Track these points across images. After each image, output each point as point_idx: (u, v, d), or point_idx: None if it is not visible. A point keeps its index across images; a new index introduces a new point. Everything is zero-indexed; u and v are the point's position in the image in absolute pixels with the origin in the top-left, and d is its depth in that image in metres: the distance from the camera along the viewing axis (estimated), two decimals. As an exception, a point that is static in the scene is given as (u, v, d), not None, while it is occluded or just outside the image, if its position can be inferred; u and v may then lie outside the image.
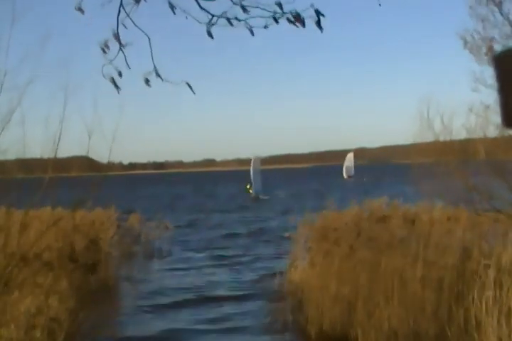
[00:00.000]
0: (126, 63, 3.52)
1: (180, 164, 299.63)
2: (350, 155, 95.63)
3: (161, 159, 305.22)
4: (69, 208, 10.81)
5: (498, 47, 8.48)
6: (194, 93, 3.65)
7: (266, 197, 54.25)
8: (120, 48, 3.46)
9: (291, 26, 3.28)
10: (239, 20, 3.30)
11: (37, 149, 8.63)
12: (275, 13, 3.24)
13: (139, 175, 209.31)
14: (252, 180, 58.75)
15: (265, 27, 3.34)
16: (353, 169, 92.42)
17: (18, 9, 7.31)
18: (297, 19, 3.24)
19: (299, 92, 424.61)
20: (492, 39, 8.46)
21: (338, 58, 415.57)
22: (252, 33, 3.35)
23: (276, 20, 3.28)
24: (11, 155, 8.51)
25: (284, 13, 3.23)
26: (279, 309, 12.11)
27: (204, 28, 3.34)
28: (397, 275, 9.34)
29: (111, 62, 3.47)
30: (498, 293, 7.87)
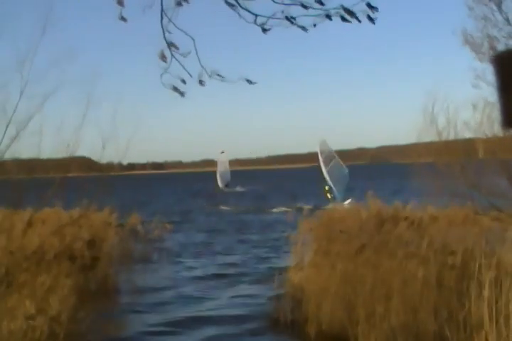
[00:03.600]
0: (187, 71, 3.49)
1: (179, 164, 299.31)
2: (224, 159, 72.71)
3: (160, 159, 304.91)
4: (72, 209, 10.84)
5: (499, 46, 8.47)
6: (253, 83, 3.66)
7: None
8: (173, 56, 3.45)
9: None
10: (294, 19, 3.28)
11: (45, 151, 8.68)
12: (325, 10, 3.22)
13: (138, 175, 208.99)
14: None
15: (314, 25, 3.32)
16: (229, 175, 71.39)
17: (49, 20, 7.37)
18: (351, 15, 3.21)
19: (298, 92, 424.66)
20: (493, 38, 8.46)
21: (338, 58, 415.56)
22: (305, 30, 3.34)
23: (329, 17, 3.26)
24: (19, 156, 8.55)
25: (336, 9, 3.21)
26: (278, 309, 12.11)
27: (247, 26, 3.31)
28: (398, 275, 9.35)
29: (166, 70, 3.44)
30: (498, 293, 7.88)
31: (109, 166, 9.81)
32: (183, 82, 3.53)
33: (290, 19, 3.26)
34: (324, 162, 36.75)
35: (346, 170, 37.08)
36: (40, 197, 8.58)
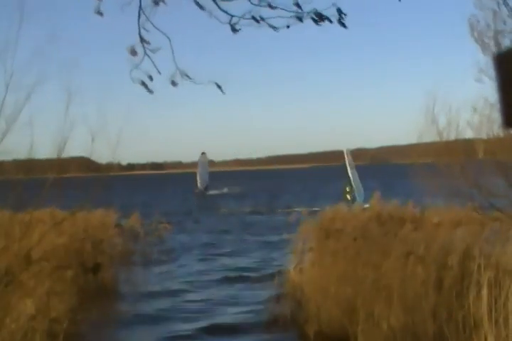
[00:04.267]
0: (156, 68, 3.52)
1: (179, 164, 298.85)
2: (205, 160, 69.33)
3: (159, 160, 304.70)
4: (71, 209, 10.81)
5: (504, 40, 8.41)
6: (224, 93, 3.66)
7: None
8: (145, 53, 3.47)
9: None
10: (262, 19, 3.30)
11: (40, 150, 8.63)
12: (298, 12, 3.26)
13: (137, 175, 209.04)
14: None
15: (288, 27, 3.37)
16: (208, 178, 67.14)
17: (26, 9, 7.33)
18: (320, 18, 3.26)
19: (298, 93, 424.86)
20: (499, 31, 8.39)
21: (337, 58, 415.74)
22: (275, 30, 3.36)
23: (300, 20, 3.29)
24: (16, 156, 8.52)
25: (307, 12, 3.25)
26: (278, 309, 12.10)
27: (224, 27, 3.34)
28: (397, 275, 9.34)
29: (137, 66, 3.47)
30: (497, 293, 7.87)
31: (108, 166, 9.79)
32: (150, 78, 3.55)
33: (257, 19, 3.30)
34: (349, 164, 36.19)
35: (362, 190, 35.41)
36: (36, 198, 8.54)
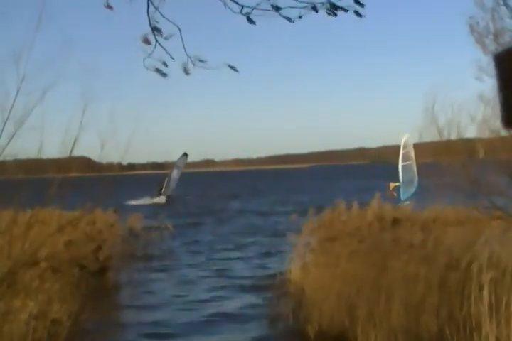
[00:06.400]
0: (169, 55, 3.56)
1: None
2: (184, 161, 57.65)
3: (160, 159, 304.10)
4: (73, 210, 10.80)
5: (504, 39, 8.40)
6: (237, 71, 3.66)
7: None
8: (157, 41, 3.49)
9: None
10: (279, 9, 3.28)
11: (44, 151, 8.63)
12: (312, 3, 3.23)
13: (138, 175, 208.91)
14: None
15: (300, 17, 3.33)
16: (175, 184, 56.09)
17: (43, 16, 7.33)
18: (336, 10, 3.22)
19: (298, 93, 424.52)
20: (499, 30, 8.39)
21: (338, 59, 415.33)
22: (290, 21, 3.35)
23: (315, 9, 3.26)
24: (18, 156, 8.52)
25: (322, 3, 3.22)
26: (278, 309, 12.09)
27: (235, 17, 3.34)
28: (399, 275, 9.33)
29: (150, 55, 3.52)
30: (498, 293, 7.86)
31: (109, 166, 9.80)
32: (165, 64, 3.60)
33: (276, 8, 3.27)
34: (403, 156, 31.07)
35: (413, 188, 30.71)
36: (41, 198, 8.54)
